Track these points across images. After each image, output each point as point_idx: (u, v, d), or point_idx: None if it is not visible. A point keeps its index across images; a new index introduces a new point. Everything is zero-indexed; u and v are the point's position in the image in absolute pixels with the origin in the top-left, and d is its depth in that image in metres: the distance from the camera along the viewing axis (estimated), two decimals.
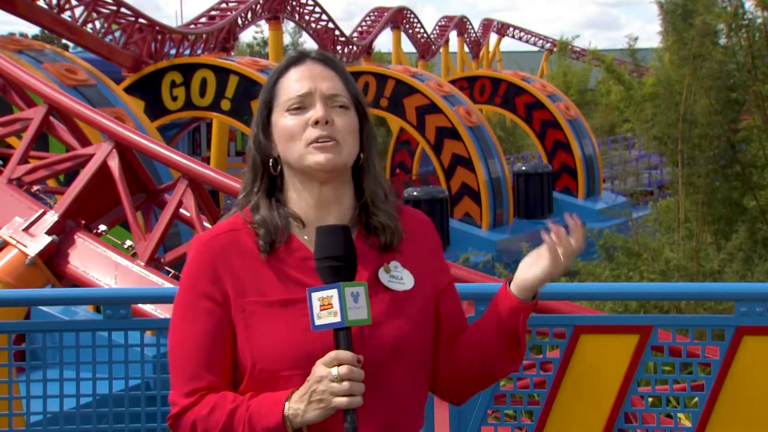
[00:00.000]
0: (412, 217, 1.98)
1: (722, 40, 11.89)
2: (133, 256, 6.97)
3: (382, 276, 1.87)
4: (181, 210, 7.05)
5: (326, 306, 1.72)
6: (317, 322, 1.73)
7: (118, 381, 3.24)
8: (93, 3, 16.65)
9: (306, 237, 1.87)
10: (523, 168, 23.03)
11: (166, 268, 7.01)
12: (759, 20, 11.14)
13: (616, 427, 3.13)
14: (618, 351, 3.10)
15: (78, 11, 16.48)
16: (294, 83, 1.86)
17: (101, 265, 6.86)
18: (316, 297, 1.73)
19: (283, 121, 1.85)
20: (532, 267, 1.86)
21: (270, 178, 1.90)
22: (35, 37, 32.46)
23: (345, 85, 1.89)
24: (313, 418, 1.72)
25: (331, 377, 1.69)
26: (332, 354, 1.71)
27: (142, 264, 6.83)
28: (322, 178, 1.85)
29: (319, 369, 1.71)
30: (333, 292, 1.72)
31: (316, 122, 1.82)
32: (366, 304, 1.74)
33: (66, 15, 16.28)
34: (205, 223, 7.05)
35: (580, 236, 1.83)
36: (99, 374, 3.22)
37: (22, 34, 28.86)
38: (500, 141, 24.38)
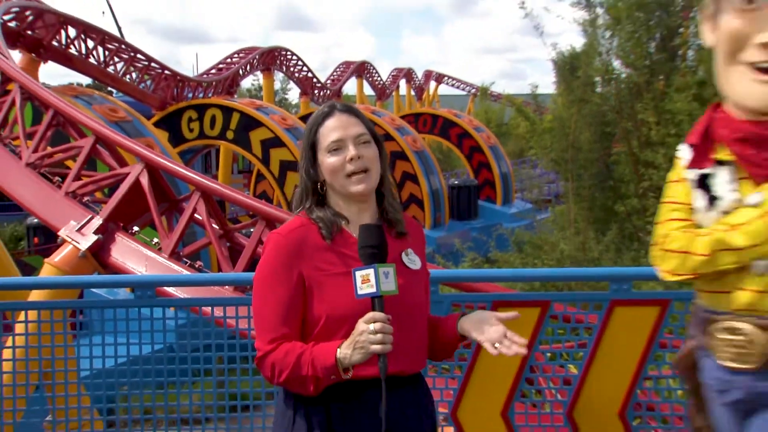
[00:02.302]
0: (411, 221, 2.10)
1: (598, 89, 12.02)
2: (159, 250, 6.92)
3: (404, 258, 2.00)
4: (195, 215, 7.03)
5: (366, 280, 1.80)
6: (359, 292, 1.81)
7: (147, 345, 3.24)
8: (130, 59, 16.64)
9: (351, 230, 1.96)
10: (456, 182, 23.12)
11: (184, 259, 6.99)
12: (624, 74, 11.27)
13: (523, 376, 3.15)
14: (525, 319, 3.12)
15: (119, 66, 16.52)
16: (331, 132, 1.97)
17: (135, 257, 6.81)
18: (359, 274, 1.81)
19: (328, 160, 1.96)
20: (478, 329, 1.92)
21: (318, 194, 2.00)
22: (88, 86, 31.90)
23: (365, 125, 2.00)
24: (357, 360, 1.80)
25: (369, 331, 1.78)
26: (370, 314, 1.80)
27: (166, 256, 6.78)
28: (360, 199, 1.98)
29: (361, 325, 1.80)
30: (370, 271, 1.80)
31: (351, 159, 1.94)
32: (394, 280, 1.82)
33: (110, 68, 16.26)
34: (214, 225, 7.01)
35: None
36: (132, 340, 3.19)
37: (78, 83, 28.41)
38: (439, 162, 24.46)
